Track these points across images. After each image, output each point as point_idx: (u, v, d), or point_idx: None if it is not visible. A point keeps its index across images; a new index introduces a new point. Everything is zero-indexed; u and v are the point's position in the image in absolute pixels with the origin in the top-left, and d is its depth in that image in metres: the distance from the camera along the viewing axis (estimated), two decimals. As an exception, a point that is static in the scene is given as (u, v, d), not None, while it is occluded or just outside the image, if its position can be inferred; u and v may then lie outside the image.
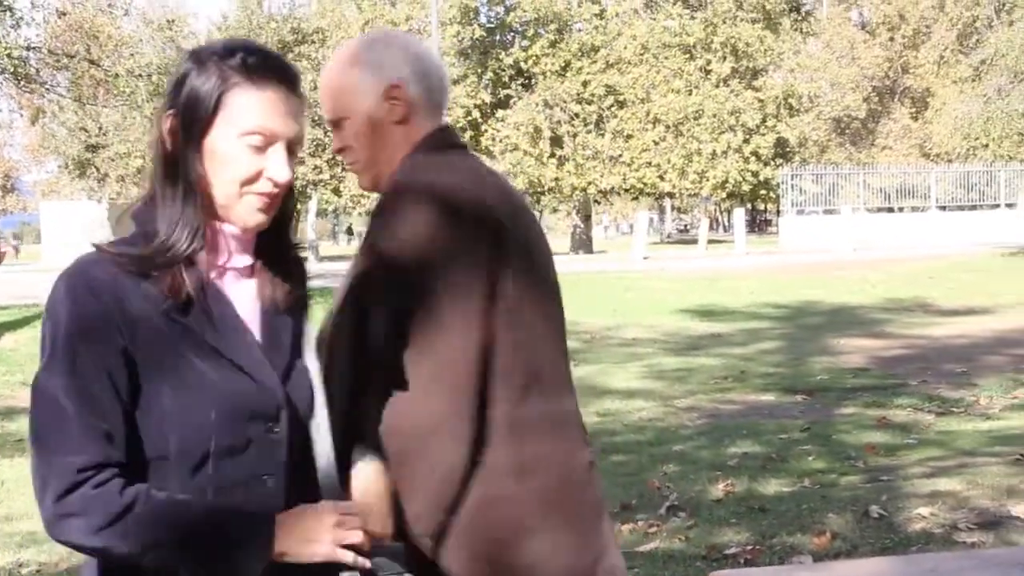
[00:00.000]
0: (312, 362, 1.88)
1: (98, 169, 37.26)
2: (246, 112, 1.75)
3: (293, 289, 1.88)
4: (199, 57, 1.78)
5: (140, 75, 24.22)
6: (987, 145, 38.13)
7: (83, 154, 37.32)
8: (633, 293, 21.13)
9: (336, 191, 45.43)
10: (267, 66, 1.78)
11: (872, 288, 21.23)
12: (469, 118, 38.92)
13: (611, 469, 7.09)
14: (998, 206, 38.45)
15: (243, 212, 1.78)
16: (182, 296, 1.72)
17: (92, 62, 24.59)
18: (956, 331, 14.67)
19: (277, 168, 1.76)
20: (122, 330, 1.68)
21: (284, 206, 1.85)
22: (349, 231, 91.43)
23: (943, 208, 38.66)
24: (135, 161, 35.36)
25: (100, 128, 34.88)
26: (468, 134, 39.48)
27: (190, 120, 1.75)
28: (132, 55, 24.93)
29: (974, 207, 39.11)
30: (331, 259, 46.14)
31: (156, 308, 1.71)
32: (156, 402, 1.70)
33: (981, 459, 7.05)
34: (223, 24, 43.39)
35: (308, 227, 49.46)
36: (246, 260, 1.83)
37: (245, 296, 1.83)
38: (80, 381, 1.66)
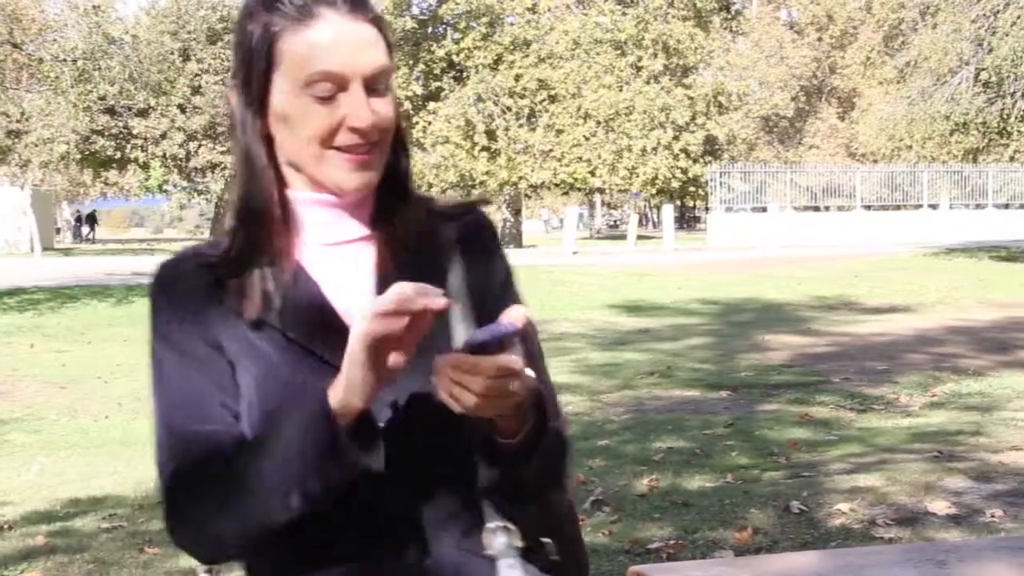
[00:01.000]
0: (458, 329, 1.47)
1: (20, 156, 36.57)
2: (301, 58, 1.44)
3: (420, 253, 1.54)
4: (248, 7, 1.50)
5: (65, 60, 23.82)
6: (911, 146, 38.77)
7: (3, 140, 36.62)
8: (562, 288, 21.19)
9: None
10: None
11: (798, 285, 21.49)
12: (400, 110, 38.74)
13: (537, 464, 7.09)
14: (921, 206, 39.14)
15: (334, 175, 1.48)
16: (251, 311, 1.49)
17: (15, 46, 24.13)
18: (879, 329, 14.91)
19: (355, 113, 1.45)
20: (201, 322, 1.51)
21: (394, 156, 1.56)
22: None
23: (868, 207, 39.27)
24: (59, 147, 34.77)
25: (23, 113, 34.23)
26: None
27: (247, 84, 1.49)
28: (56, 40, 24.45)
29: (898, 207, 39.79)
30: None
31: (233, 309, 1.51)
32: (246, 403, 1.50)
33: (900, 456, 7.17)
34: (151, 10, 42.84)
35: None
36: (357, 229, 1.55)
37: (359, 270, 1.54)
38: (158, 382, 1.53)
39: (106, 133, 41.10)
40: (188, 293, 1.52)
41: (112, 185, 55.80)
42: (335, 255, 1.54)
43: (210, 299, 1.51)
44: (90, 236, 66.35)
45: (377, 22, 1.49)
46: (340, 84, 1.45)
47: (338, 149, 1.47)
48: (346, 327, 1.44)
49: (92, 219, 68.74)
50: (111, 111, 39.83)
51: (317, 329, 1.50)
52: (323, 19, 1.45)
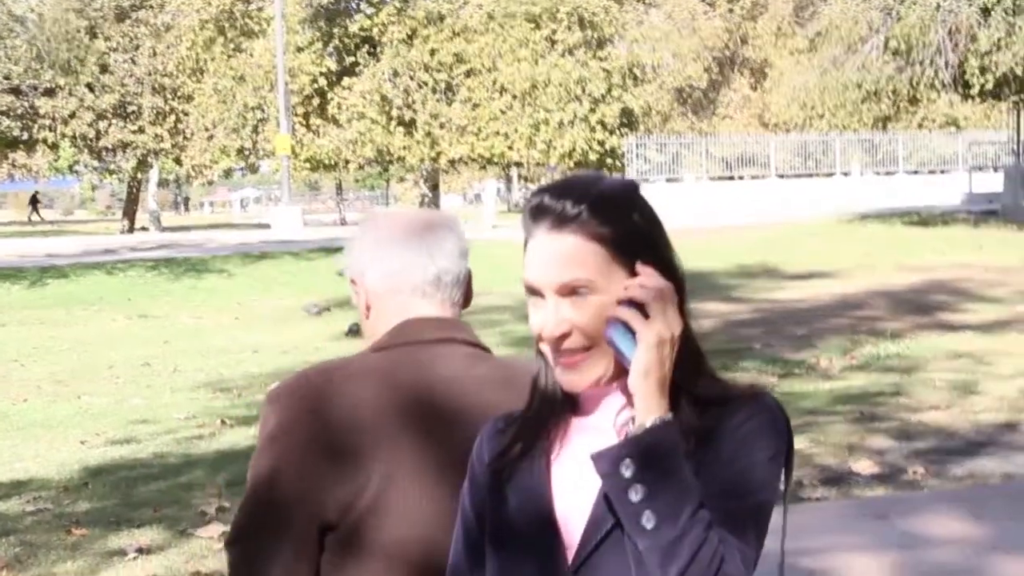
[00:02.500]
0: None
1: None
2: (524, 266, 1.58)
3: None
4: None
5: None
6: (823, 115, 39.32)
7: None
8: (485, 261, 21.12)
9: (177, 160, 44.37)
10: (531, 206, 1.57)
11: (717, 254, 21.72)
12: (315, 86, 38.42)
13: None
14: (834, 174, 39.72)
15: (554, 371, 1.58)
16: (501, 465, 1.63)
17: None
18: (799, 295, 15.14)
19: (543, 323, 1.53)
20: (479, 488, 1.68)
21: (683, 355, 1.64)
22: (186, 201, 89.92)
23: (782, 176, 39.74)
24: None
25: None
26: (315, 102, 38.97)
27: None
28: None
29: (811, 175, 40.31)
30: (172, 229, 45.08)
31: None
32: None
33: (823, 418, 7.31)
34: (57, -13, 41.85)
35: (149, 197, 48.24)
36: (600, 421, 1.58)
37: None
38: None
39: (11, 114, 40.16)
40: (478, 462, 1.69)
41: (20, 167, 54.47)
42: (599, 440, 1.54)
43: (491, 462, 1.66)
44: (33, 217, 64.95)
45: (586, 230, 1.54)
46: (539, 292, 1.53)
47: (548, 352, 1.57)
48: (554, 535, 1.56)
49: (35, 200, 67.18)
50: (16, 91, 38.91)
51: (528, 509, 1.59)
52: (534, 236, 1.55)
